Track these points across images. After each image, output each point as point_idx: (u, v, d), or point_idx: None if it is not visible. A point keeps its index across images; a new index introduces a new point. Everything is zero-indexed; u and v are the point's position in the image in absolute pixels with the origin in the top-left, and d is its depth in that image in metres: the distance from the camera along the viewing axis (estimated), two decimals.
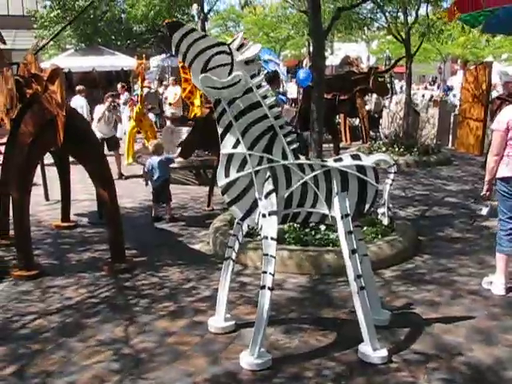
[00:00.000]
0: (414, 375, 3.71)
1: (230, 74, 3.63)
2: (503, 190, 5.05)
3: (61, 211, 7.49)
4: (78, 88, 12.86)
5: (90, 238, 7.04)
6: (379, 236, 6.15)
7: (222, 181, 3.89)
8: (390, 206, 4.15)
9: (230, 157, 3.85)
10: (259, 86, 3.80)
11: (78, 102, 11.80)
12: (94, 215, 7.79)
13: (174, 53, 3.72)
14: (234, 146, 3.82)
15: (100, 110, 10.62)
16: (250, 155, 3.82)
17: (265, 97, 3.81)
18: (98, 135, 10.19)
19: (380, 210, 4.13)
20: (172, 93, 15.24)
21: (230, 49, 3.64)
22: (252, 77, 3.76)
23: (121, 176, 10.74)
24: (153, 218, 7.79)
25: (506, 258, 5.10)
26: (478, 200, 5.46)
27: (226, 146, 3.84)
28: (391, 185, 4.14)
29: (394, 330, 4.32)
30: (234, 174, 3.86)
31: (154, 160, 7.86)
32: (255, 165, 3.84)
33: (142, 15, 10.70)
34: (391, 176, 4.14)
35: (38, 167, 8.60)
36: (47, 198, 8.88)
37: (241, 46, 3.63)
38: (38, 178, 8.87)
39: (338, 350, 4.05)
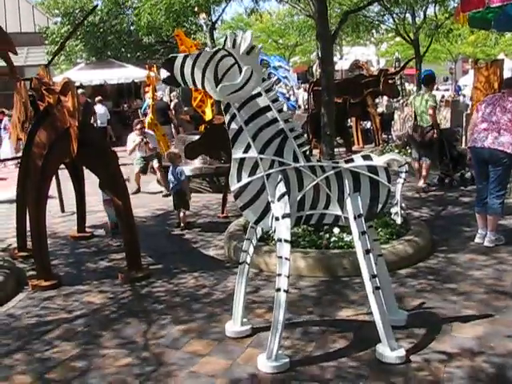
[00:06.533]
0: (434, 374, 3.69)
1: (240, 72, 3.66)
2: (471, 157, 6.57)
3: (77, 222, 7.56)
4: (97, 98, 16.60)
5: (106, 247, 7.10)
6: (394, 237, 6.14)
7: (234, 185, 3.91)
8: (403, 205, 4.14)
9: (242, 161, 3.87)
10: (268, 90, 3.82)
11: (99, 110, 15.40)
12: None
13: (182, 85, 3.75)
14: (245, 151, 3.84)
15: (131, 138, 10.86)
16: (261, 159, 3.84)
17: (274, 100, 3.84)
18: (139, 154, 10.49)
19: (393, 210, 4.12)
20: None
21: (227, 50, 3.66)
22: (262, 81, 3.79)
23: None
24: (179, 225, 7.87)
25: (477, 216, 6.49)
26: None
27: (237, 151, 3.86)
28: (403, 184, 4.13)
29: (412, 329, 4.30)
30: (246, 178, 3.88)
31: (170, 169, 8.05)
32: (267, 168, 3.86)
33: (147, 24, 10.70)
34: (403, 175, 4.13)
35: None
36: (63, 210, 8.96)
37: (234, 42, 3.63)
38: (53, 190, 9.01)
39: (356, 350, 4.04)
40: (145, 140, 10.69)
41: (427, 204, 8.53)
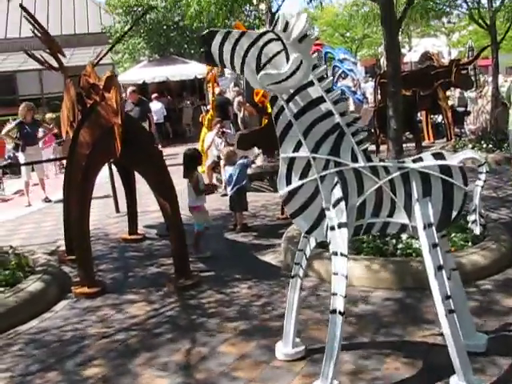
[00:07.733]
0: None
1: (288, 60, 3.17)
2: None
3: (128, 224, 7.28)
4: (154, 95, 17.44)
5: (157, 251, 6.77)
6: (469, 243, 5.48)
7: (283, 189, 3.43)
8: (483, 211, 3.52)
9: (292, 161, 3.38)
10: (321, 79, 3.31)
11: (155, 106, 16.14)
12: (163, 227, 7.51)
13: (219, 65, 3.32)
14: (296, 149, 3.35)
15: (209, 136, 10.70)
16: (314, 158, 3.34)
17: (328, 90, 3.32)
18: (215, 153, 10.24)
19: (471, 218, 3.52)
20: None
21: (275, 33, 3.19)
22: (313, 68, 3.29)
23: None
24: (235, 227, 7.46)
25: None
26: None
27: (287, 150, 3.38)
28: (483, 187, 3.52)
29: (494, 357, 3.68)
30: (296, 181, 3.39)
31: (228, 169, 7.58)
32: (321, 169, 3.36)
33: (195, 13, 10.24)
34: (482, 176, 3.51)
35: (108, 179, 8.56)
36: (117, 210, 8.74)
37: (286, 26, 3.15)
38: (109, 190, 8.83)
39: (426, 381, 3.47)
40: (222, 139, 10.47)
41: (506, 204, 7.71)
